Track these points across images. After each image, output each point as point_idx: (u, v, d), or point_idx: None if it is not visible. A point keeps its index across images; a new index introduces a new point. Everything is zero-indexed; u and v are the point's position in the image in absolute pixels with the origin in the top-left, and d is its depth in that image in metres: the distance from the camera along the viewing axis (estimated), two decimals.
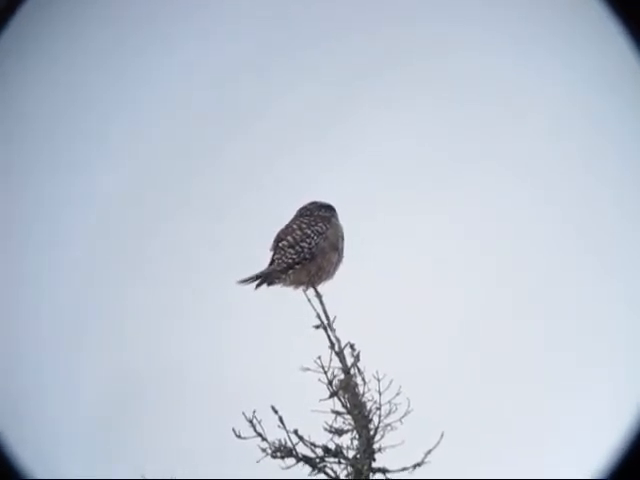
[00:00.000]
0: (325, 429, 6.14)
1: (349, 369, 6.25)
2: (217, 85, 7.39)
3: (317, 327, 6.35)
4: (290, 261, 6.52)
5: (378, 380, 6.12)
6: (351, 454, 6.10)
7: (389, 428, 6.12)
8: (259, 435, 6.10)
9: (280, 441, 6.09)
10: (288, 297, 6.58)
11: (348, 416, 6.15)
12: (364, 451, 6.07)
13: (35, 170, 6.94)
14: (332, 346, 6.29)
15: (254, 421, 6.09)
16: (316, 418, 6.14)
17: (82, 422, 6.66)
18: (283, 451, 6.08)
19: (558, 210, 7.18)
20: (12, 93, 6.75)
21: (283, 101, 7.41)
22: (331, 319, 6.36)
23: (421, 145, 7.35)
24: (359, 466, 6.05)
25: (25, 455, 5.59)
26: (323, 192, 6.83)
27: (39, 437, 6.36)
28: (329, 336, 6.32)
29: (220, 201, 7.27)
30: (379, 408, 6.13)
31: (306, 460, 6.08)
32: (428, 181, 7.27)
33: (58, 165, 7.08)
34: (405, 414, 6.11)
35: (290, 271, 6.51)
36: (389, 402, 6.12)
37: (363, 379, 6.21)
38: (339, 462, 6.10)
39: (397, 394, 6.10)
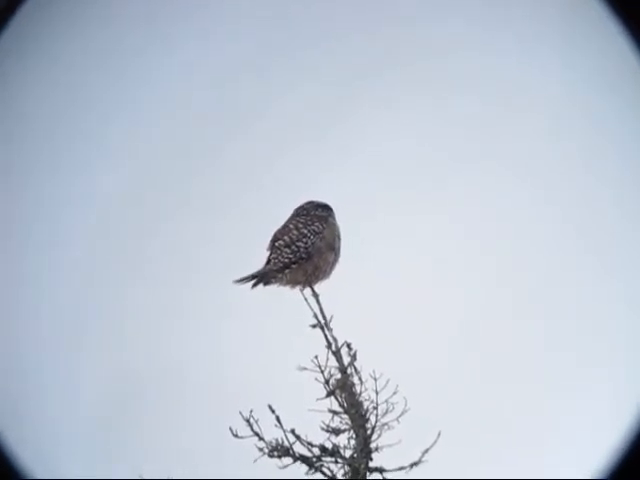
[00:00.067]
0: (322, 428, 6.14)
1: (346, 368, 6.24)
2: (217, 85, 7.39)
3: (314, 326, 6.35)
4: (286, 260, 6.51)
5: (375, 379, 6.13)
6: (348, 453, 6.10)
7: (386, 427, 6.12)
8: (256, 434, 6.10)
9: (277, 440, 6.09)
10: (285, 297, 6.59)
11: (345, 415, 6.15)
12: (361, 450, 6.07)
13: (35, 170, 6.95)
14: (329, 345, 6.29)
15: (251, 420, 6.09)
16: (313, 417, 6.14)
17: (82, 422, 6.67)
18: (280, 450, 6.08)
19: (558, 210, 7.17)
20: (12, 93, 6.76)
21: (283, 101, 7.42)
22: (328, 318, 6.36)
23: (421, 145, 7.35)
24: (356, 465, 6.05)
25: (25, 455, 5.59)
26: (323, 192, 6.84)
27: (39, 437, 6.36)
28: (326, 335, 6.32)
29: (220, 201, 7.27)
30: (376, 407, 6.13)
31: (303, 459, 6.08)
32: (428, 181, 7.27)
33: (58, 165, 7.09)
34: (402, 413, 6.11)
35: (286, 270, 6.50)
36: (386, 401, 6.12)
37: (360, 378, 6.21)
38: (336, 461, 6.10)
39: (394, 393, 6.10)
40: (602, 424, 6.14)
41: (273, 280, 6.50)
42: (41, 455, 6.07)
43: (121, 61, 7.22)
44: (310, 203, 6.76)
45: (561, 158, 7.15)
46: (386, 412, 6.11)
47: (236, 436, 6.08)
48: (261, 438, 6.10)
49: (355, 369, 6.22)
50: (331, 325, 6.34)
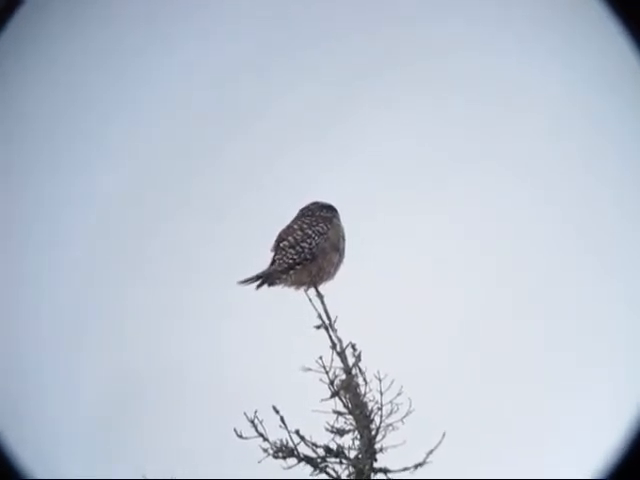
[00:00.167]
0: (327, 429, 6.14)
1: (350, 369, 6.24)
2: (217, 85, 7.39)
3: (318, 327, 6.35)
4: (291, 261, 6.51)
5: (379, 380, 6.13)
6: (353, 454, 6.10)
7: (390, 428, 6.12)
8: (260, 435, 6.10)
9: (282, 441, 6.09)
10: (289, 297, 6.59)
11: (349, 416, 6.15)
12: (365, 451, 6.07)
13: (35, 170, 6.94)
14: (333, 346, 6.29)
15: (255, 421, 6.09)
16: (317, 418, 6.15)
17: (82, 422, 6.66)
18: (285, 451, 6.08)
19: (558, 210, 7.18)
20: (12, 93, 6.74)
21: (283, 101, 7.42)
22: (332, 319, 6.37)
23: (421, 145, 7.36)
24: (361, 466, 6.05)
25: (25, 455, 5.58)
26: (323, 192, 6.84)
27: (39, 437, 6.35)
28: (330, 336, 6.32)
29: (220, 201, 7.27)
30: (380, 408, 6.13)
31: (307, 460, 6.09)
32: (428, 181, 7.27)
33: (58, 165, 7.07)
34: (406, 414, 6.11)
35: (291, 271, 6.50)
36: (390, 402, 6.13)
37: (364, 379, 6.21)
38: (340, 462, 6.10)
39: (398, 394, 6.10)
40: (602, 424, 6.15)
41: (278, 281, 6.50)
42: (41, 455, 6.05)
43: (121, 61, 7.21)
44: (315, 204, 6.76)
45: (561, 158, 7.17)
46: (391, 413, 6.12)
47: (241, 437, 6.08)
48: (266, 439, 6.10)
49: (360, 370, 6.23)
50: (336, 326, 6.34)
